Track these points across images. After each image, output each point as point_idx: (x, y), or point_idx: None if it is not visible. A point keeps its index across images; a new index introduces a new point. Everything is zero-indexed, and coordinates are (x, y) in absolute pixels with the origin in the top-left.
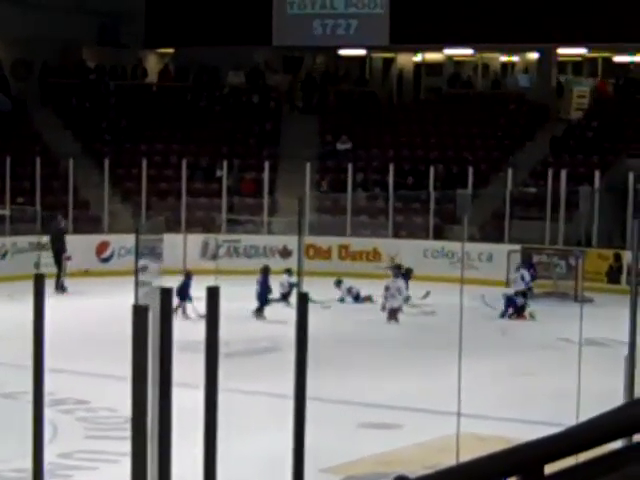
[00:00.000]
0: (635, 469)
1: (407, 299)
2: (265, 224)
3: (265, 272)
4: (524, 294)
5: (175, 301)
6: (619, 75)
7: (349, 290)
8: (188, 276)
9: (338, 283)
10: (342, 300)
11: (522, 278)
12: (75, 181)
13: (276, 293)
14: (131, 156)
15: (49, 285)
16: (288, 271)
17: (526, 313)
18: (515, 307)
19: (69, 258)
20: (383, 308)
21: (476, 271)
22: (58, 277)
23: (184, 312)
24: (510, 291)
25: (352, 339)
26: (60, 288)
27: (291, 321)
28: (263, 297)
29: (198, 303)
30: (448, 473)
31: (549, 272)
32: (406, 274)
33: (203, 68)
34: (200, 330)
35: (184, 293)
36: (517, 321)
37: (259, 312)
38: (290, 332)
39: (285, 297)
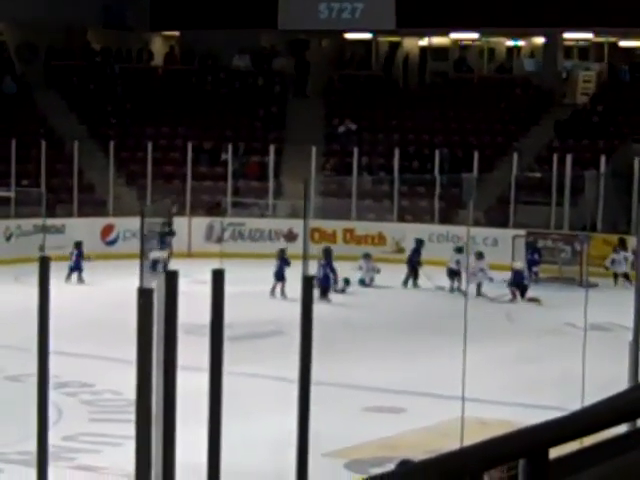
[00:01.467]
0: (635, 454)
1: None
2: (270, 207)
3: (327, 254)
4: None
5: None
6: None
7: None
8: (284, 258)
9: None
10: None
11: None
12: (80, 164)
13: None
14: (136, 139)
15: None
16: (367, 256)
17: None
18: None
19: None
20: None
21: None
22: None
23: (282, 293)
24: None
25: (357, 323)
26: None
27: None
28: (327, 280)
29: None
30: (452, 456)
31: (554, 257)
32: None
33: (209, 51)
34: (205, 313)
35: (280, 274)
36: (522, 305)
37: (324, 295)
38: (296, 315)
39: (363, 282)
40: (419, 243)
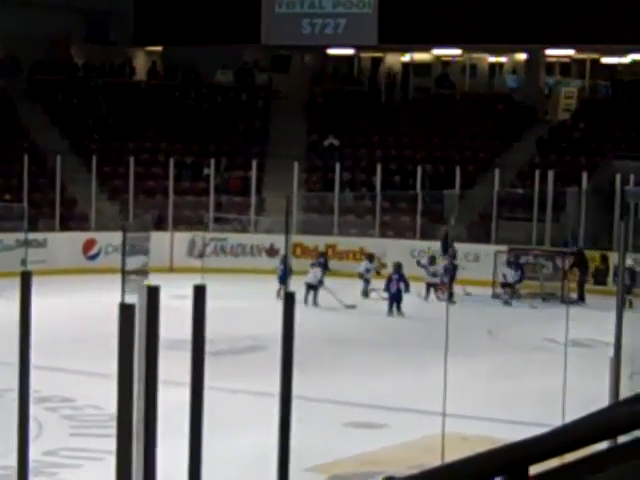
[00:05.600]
0: (620, 470)
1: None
2: (252, 223)
3: (398, 268)
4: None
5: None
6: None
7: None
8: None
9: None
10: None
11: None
12: (62, 178)
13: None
14: (119, 154)
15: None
16: (399, 266)
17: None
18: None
19: None
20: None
21: (463, 271)
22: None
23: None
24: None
25: (338, 338)
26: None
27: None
28: (400, 294)
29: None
30: (433, 473)
31: (536, 273)
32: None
33: (191, 66)
34: (187, 328)
35: (284, 278)
36: (504, 320)
37: (398, 309)
38: (277, 331)
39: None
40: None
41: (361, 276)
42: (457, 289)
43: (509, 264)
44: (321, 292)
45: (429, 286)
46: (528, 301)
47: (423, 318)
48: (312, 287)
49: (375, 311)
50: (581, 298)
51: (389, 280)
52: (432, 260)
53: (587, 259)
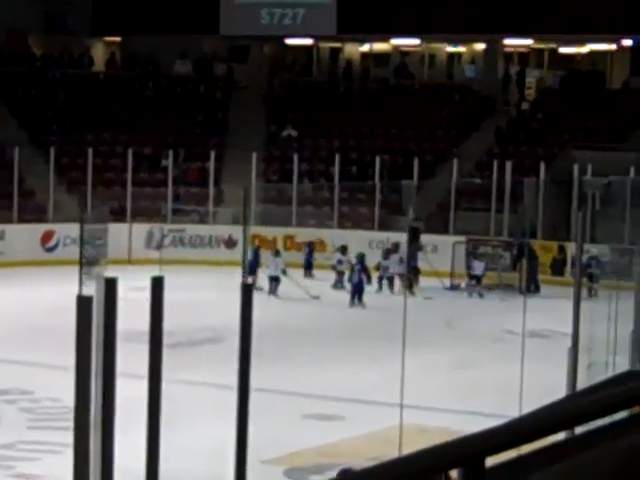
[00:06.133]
0: (576, 461)
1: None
2: (211, 214)
3: (361, 259)
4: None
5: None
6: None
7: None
8: (257, 251)
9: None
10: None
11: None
12: (20, 170)
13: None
14: (77, 145)
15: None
16: (361, 257)
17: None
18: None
19: None
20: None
21: (421, 262)
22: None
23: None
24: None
25: (298, 329)
26: None
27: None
28: (361, 284)
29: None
30: (390, 466)
31: (494, 264)
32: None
33: (150, 57)
34: (145, 320)
35: (253, 268)
36: (461, 311)
37: (360, 300)
38: (235, 322)
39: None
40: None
41: (334, 268)
42: (425, 283)
43: (476, 256)
44: (287, 283)
45: (387, 278)
46: (445, 320)
47: (384, 309)
48: (275, 279)
49: (337, 302)
50: (536, 288)
51: (351, 271)
52: (388, 253)
53: (534, 250)
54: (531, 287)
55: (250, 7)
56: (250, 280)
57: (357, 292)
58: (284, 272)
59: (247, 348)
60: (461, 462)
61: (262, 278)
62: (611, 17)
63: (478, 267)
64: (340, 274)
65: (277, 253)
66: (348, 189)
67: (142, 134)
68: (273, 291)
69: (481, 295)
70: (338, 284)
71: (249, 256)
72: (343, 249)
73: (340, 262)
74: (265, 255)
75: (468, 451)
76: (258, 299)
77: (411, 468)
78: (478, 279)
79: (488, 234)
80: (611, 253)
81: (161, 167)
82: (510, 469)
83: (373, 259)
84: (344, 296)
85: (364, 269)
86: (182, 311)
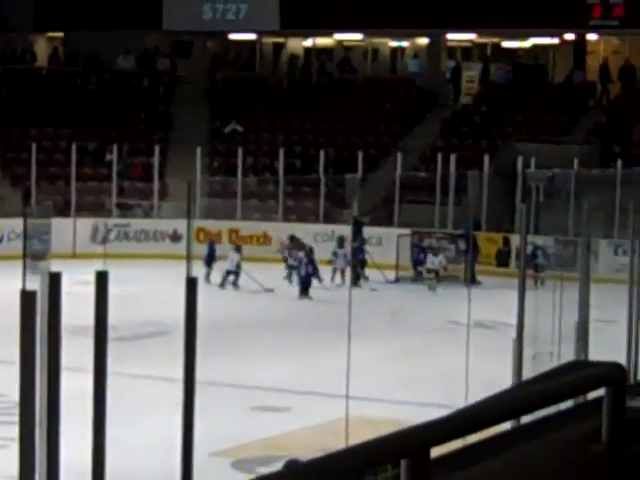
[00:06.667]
0: (522, 450)
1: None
2: (155, 208)
3: (310, 252)
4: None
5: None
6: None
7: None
8: (212, 245)
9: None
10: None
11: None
12: None
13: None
14: (20, 140)
15: None
16: (310, 250)
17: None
18: None
19: None
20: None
21: (366, 254)
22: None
23: (207, 279)
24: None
25: (245, 322)
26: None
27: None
28: (309, 278)
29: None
30: (336, 457)
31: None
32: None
33: (93, 52)
34: (90, 314)
35: (209, 261)
36: (406, 302)
37: (306, 292)
38: (180, 316)
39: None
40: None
41: (285, 260)
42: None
43: (433, 250)
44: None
45: (340, 270)
46: (428, 284)
47: (331, 302)
48: (231, 272)
49: (287, 295)
50: (473, 281)
51: (299, 264)
52: (342, 241)
53: (477, 242)
54: (476, 278)
55: (193, 2)
56: (208, 274)
57: (304, 285)
58: (238, 267)
59: (192, 341)
60: (407, 453)
61: (217, 272)
62: (553, 12)
63: (433, 261)
64: (291, 267)
65: (238, 249)
66: (293, 183)
67: (86, 129)
68: (234, 283)
69: (432, 288)
70: (289, 277)
71: (205, 251)
72: (292, 238)
73: (291, 254)
74: (220, 248)
75: (413, 442)
76: (209, 292)
77: (357, 459)
78: (436, 273)
79: (432, 227)
80: (555, 244)
81: (105, 162)
82: (456, 459)
83: (319, 253)
84: (294, 289)
85: (311, 262)
86: (127, 305)
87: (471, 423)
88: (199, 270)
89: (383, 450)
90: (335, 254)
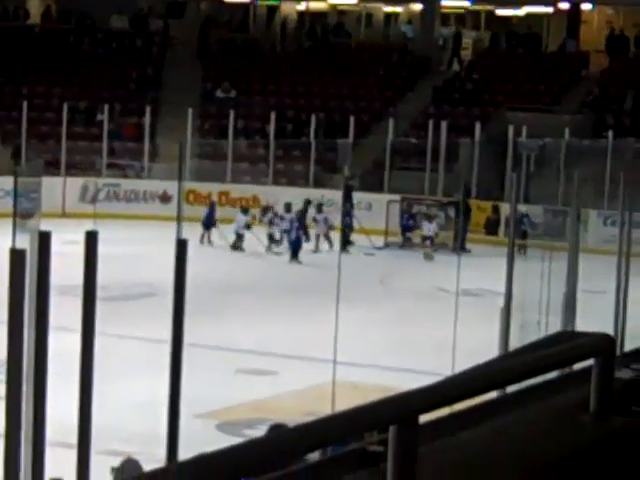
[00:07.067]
0: (506, 419)
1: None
2: (146, 169)
3: (300, 216)
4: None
5: (200, 231)
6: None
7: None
8: (212, 206)
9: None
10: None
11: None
12: None
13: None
14: (12, 98)
15: None
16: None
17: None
18: None
19: None
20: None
21: (355, 219)
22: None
23: (209, 240)
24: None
25: (231, 285)
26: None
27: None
28: (299, 241)
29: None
30: (324, 422)
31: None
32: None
33: (86, 11)
34: (79, 274)
35: (209, 222)
36: (395, 269)
37: (296, 256)
38: (169, 278)
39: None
40: (306, 204)
41: (277, 225)
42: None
43: (426, 217)
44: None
45: (324, 235)
46: (425, 252)
47: (320, 266)
48: (239, 234)
49: (278, 259)
50: (462, 248)
51: (290, 228)
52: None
53: (469, 209)
54: (465, 246)
55: None
56: (203, 235)
57: (294, 249)
58: (248, 227)
59: (181, 303)
60: (396, 419)
61: (214, 234)
62: None
63: (429, 227)
64: (283, 231)
65: (245, 211)
66: (283, 147)
67: (77, 88)
68: (239, 247)
69: (430, 257)
70: (279, 242)
71: (204, 212)
72: (287, 206)
73: (282, 219)
74: (220, 211)
75: (402, 409)
76: (203, 254)
77: (346, 425)
78: (431, 239)
79: (422, 193)
80: (544, 214)
81: (96, 121)
82: (443, 426)
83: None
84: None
85: (302, 226)
86: (117, 266)
87: (460, 391)
88: (192, 231)
89: (373, 416)
90: (315, 220)
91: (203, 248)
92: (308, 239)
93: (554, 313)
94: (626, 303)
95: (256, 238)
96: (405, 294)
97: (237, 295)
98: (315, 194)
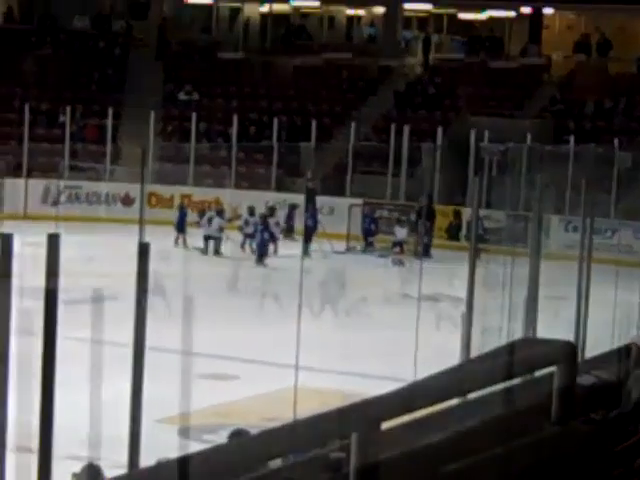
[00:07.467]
0: (467, 425)
1: None
2: (108, 171)
3: (264, 219)
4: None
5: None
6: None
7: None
8: (183, 209)
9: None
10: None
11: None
12: None
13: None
14: None
15: None
16: (264, 217)
17: None
18: None
19: None
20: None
21: (320, 225)
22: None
23: (185, 244)
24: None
25: (192, 289)
26: None
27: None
28: (264, 245)
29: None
30: (286, 429)
31: (390, 228)
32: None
33: (48, 12)
34: (41, 277)
35: (182, 225)
36: (355, 275)
37: (261, 260)
38: (131, 281)
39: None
40: (292, 208)
41: (241, 229)
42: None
43: (398, 222)
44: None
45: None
46: (393, 259)
47: (283, 269)
48: (211, 238)
49: (243, 263)
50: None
51: (255, 231)
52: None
53: (434, 215)
54: (429, 251)
55: None
56: (177, 238)
57: (260, 253)
58: (221, 230)
59: (143, 306)
60: (360, 426)
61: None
62: None
63: (400, 233)
64: (247, 235)
65: (220, 213)
66: (245, 149)
67: (39, 89)
68: (216, 250)
69: (401, 263)
70: (244, 245)
71: (175, 216)
72: (251, 210)
73: (247, 223)
74: (192, 215)
75: (364, 417)
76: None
77: (308, 433)
78: (401, 245)
79: (384, 197)
80: (506, 219)
81: (58, 123)
82: (405, 432)
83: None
84: (250, 256)
85: (267, 229)
86: (79, 268)
87: (423, 399)
88: (154, 234)
89: (336, 423)
90: (246, 222)
91: (177, 250)
92: (275, 241)
93: (515, 319)
94: (587, 309)
95: (231, 241)
96: (366, 299)
97: (199, 298)
98: (277, 197)
